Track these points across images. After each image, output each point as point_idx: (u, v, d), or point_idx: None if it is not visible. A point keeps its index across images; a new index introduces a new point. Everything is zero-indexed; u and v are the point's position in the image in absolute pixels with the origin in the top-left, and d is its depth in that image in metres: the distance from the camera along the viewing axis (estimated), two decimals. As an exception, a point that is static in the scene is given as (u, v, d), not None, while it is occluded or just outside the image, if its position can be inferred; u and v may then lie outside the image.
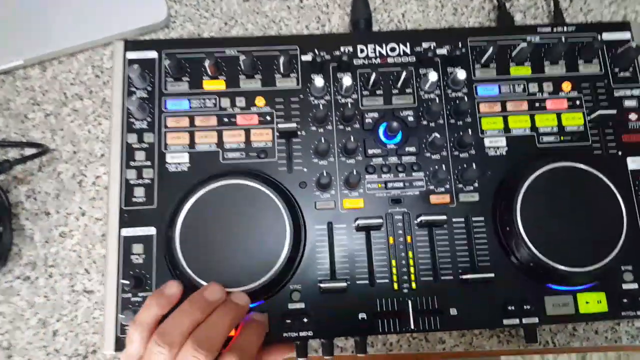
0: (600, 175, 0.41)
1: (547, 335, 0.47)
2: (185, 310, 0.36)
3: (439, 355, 0.46)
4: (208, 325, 0.35)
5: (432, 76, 0.44)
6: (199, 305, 0.36)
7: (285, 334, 0.41)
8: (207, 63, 0.43)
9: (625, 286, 0.42)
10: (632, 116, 0.45)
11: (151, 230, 0.42)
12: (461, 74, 0.44)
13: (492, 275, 0.40)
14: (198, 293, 0.37)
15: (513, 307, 0.41)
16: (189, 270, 0.39)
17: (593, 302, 0.42)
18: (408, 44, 0.46)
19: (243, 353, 0.36)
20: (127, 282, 0.40)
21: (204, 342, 0.34)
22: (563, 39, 0.44)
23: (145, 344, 0.35)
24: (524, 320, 0.41)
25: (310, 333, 0.41)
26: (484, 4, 0.54)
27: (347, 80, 0.44)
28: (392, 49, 0.46)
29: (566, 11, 0.54)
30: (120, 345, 0.40)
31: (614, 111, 0.43)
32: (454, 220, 0.43)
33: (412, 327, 0.40)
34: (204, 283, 0.39)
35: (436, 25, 0.53)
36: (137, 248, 0.42)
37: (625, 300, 0.42)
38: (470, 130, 0.44)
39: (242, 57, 0.44)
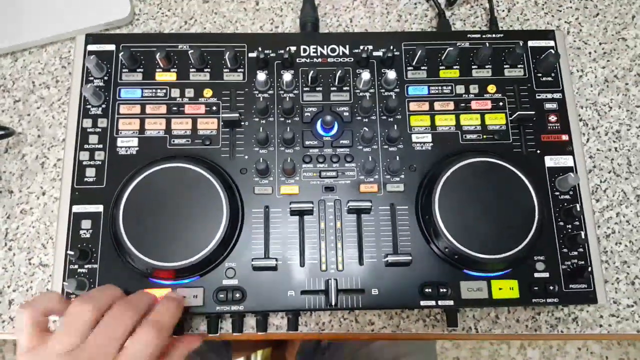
0: (515, 170, 0.45)
1: (470, 322, 0.50)
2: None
3: (367, 336, 0.49)
4: (132, 296, 0.40)
5: (365, 75, 0.47)
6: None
7: (218, 308, 0.44)
8: (158, 55, 0.47)
9: (536, 275, 0.45)
10: (552, 118, 0.49)
11: (99, 208, 0.45)
12: (391, 75, 0.47)
13: (410, 258, 0.44)
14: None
15: (430, 290, 0.44)
16: (130, 246, 0.43)
17: (506, 288, 0.45)
18: (347, 46, 0.50)
19: (159, 325, 0.37)
20: (72, 252, 0.43)
21: (128, 307, 0.37)
22: (487, 45, 0.48)
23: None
24: (440, 302, 0.44)
25: (241, 307, 0.44)
26: (427, 12, 0.57)
27: (287, 76, 0.48)
28: (333, 50, 0.50)
29: (504, 20, 0.57)
30: (65, 312, 0.43)
31: (532, 113, 0.47)
32: (380, 208, 0.46)
33: (335, 304, 0.43)
34: (145, 258, 0.42)
35: (381, 30, 0.57)
36: (86, 224, 0.45)
37: (536, 288, 0.45)
38: (398, 126, 0.48)
39: (191, 52, 0.47)
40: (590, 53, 0.57)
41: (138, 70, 0.49)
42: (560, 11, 0.58)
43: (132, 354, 0.35)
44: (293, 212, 0.46)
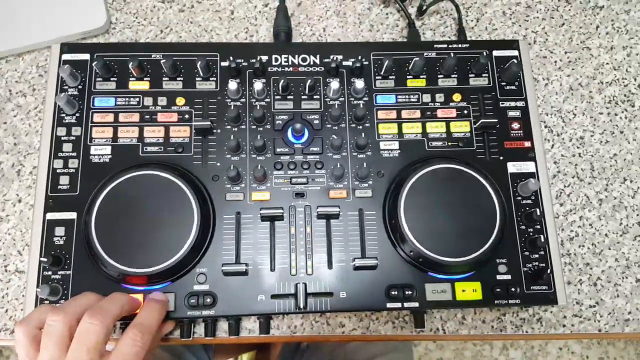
0: (478, 176, 0.46)
1: (438, 323, 0.51)
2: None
3: (337, 338, 0.50)
4: (103, 301, 0.40)
5: (334, 84, 0.49)
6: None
7: (189, 313, 0.45)
8: (131, 65, 0.48)
9: (499, 277, 0.47)
10: (515, 125, 0.50)
11: (72, 215, 0.46)
12: (359, 84, 0.49)
13: (377, 262, 0.45)
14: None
15: (396, 292, 0.46)
16: (102, 252, 0.43)
17: (469, 290, 0.46)
18: (318, 56, 0.51)
19: (143, 327, 0.39)
20: (45, 259, 0.44)
21: (97, 312, 0.38)
22: (452, 55, 0.49)
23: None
24: (406, 304, 0.45)
25: (212, 312, 0.45)
26: (398, 22, 0.59)
27: (258, 85, 0.49)
28: (304, 59, 0.51)
29: (472, 30, 0.59)
30: (38, 317, 0.44)
31: (495, 120, 0.49)
32: (349, 213, 0.48)
33: (304, 307, 0.45)
34: (116, 264, 0.43)
35: (354, 40, 0.58)
36: (59, 231, 0.46)
37: (498, 290, 0.46)
38: (367, 134, 0.49)
39: (163, 61, 0.48)
40: (555, 62, 0.59)
41: (112, 79, 0.50)
42: (527, 21, 0.60)
43: (118, 356, 0.37)
44: (264, 218, 0.47)
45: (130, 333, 0.39)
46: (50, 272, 0.45)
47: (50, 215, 0.46)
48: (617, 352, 1.40)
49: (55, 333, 0.37)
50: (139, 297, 0.44)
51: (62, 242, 0.46)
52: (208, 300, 0.45)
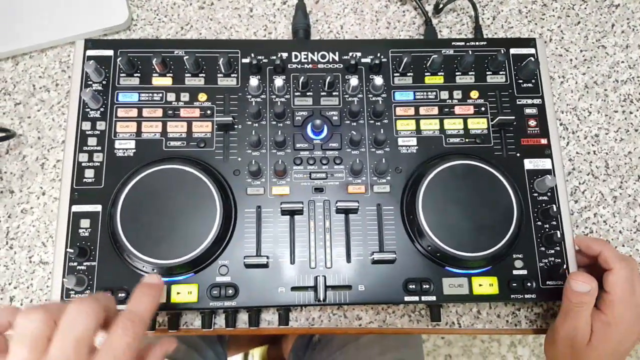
0: (495, 172, 0.47)
1: (453, 317, 0.52)
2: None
3: (355, 330, 0.51)
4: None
5: (353, 81, 0.50)
6: None
7: (212, 303, 0.46)
8: (154, 61, 0.49)
9: (515, 272, 0.47)
10: (531, 122, 0.51)
11: (98, 208, 0.47)
12: (378, 80, 0.49)
13: (395, 256, 0.46)
14: None
15: (414, 286, 0.46)
16: (127, 244, 0.44)
17: (486, 284, 0.47)
18: (337, 53, 0.52)
19: (134, 315, 0.35)
20: (72, 250, 0.45)
21: (85, 300, 0.33)
22: (470, 52, 0.50)
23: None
24: (423, 298, 0.46)
25: (234, 303, 0.46)
26: (414, 19, 0.60)
27: (278, 81, 0.50)
28: (323, 56, 0.52)
29: (489, 27, 0.60)
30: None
31: (512, 117, 0.49)
32: (367, 208, 0.48)
33: (324, 299, 0.46)
34: (141, 255, 0.44)
35: (371, 37, 0.59)
36: (85, 223, 0.47)
37: (514, 285, 0.47)
38: (385, 130, 0.50)
39: (186, 57, 0.49)
40: (571, 60, 0.59)
41: (135, 74, 0.51)
42: (543, 19, 0.60)
43: (106, 352, 0.32)
44: (284, 212, 0.48)
45: (120, 323, 0.33)
46: (75, 263, 0.46)
47: (76, 208, 0.47)
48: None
49: (28, 332, 0.31)
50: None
51: (87, 234, 0.47)
52: (230, 291, 0.46)
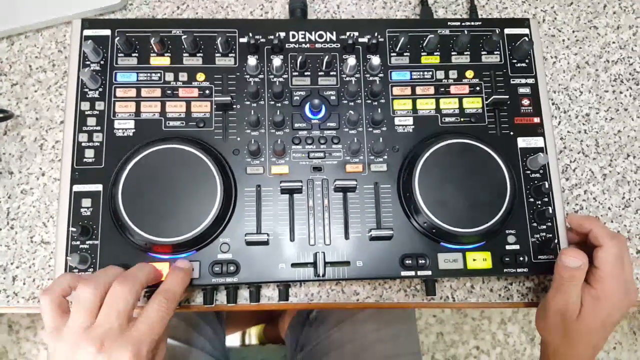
0: (489, 150, 0.48)
1: (447, 291, 0.54)
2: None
3: (352, 305, 0.53)
4: (131, 269, 0.42)
5: (351, 61, 0.50)
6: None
7: (214, 280, 0.47)
8: (152, 40, 0.49)
9: (508, 247, 0.49)
10: (525, 102, 0.52)
11: (98, 187, 0.48)
12: (375, 60, 0.50)
13: (392, 232, 0.47)
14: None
15: (410, 262, 0.48)
16: (129, 222, 0.45)
17: (479, 259, 0.49)
18: (334, 33, 0.53)
19: (168, 294, 0.42)
20: (75, 229, 0.46)
21: (126, 279, 0.40)
22: (465, 32, 0.51)
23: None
24: (419, 273, 0.48)
25: (235, 279, 0.47)
26: (410, -1, 0.60)
27: (276, 61, 0.50)
28: (320, 36, 0.53)
29: (483, 8, 0.60)
30: (68, 285, 0.46)
31: (506, 97, 0.50)
32: (364, 186, 0.49)
33: (323, 275, 0.47)
34: (143, 234, 0.45)
35: (367, 17, 0.59)
36: (86, 202, 0.48)
37: (507, 259, 0.49)
38: (382, 110, 0.51)
39: (184, 37, 0.49)
40: (563, 40, 0.60)
41: (133, 54, 0.51)
42: (537, 0, 0.61)
43: (143, 322, 0.39)
44: (283, 191, 0.49)
45: (157, 299, 0.41)
46: (78, 242, 0.47)
47: (77, 188, 0.48)
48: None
49: (86, 301, 0.39)
50: (165, 265, 0.46)
51: (89, 213, 0.47)
52: (231, 268, 0.47)
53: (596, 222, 0.47)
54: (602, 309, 0.45)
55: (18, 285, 0.51)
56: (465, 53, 0.53)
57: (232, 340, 1.20)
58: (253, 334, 1.18)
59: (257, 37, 0.51)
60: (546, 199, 0.50)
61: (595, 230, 0.46)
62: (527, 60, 0.53)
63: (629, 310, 0.47)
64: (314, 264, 0.47)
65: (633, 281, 0.46)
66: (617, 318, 0.46)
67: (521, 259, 0.48)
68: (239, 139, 0.50)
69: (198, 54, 0.51)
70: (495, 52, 0.53)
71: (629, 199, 0.56)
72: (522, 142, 0.51)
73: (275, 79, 0.51)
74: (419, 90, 0.52)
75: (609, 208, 0.56)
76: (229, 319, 0.96)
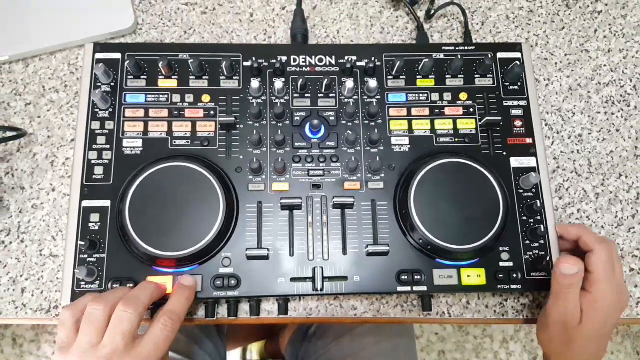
0: (483, 170, 0.50)
1: (444, 307, 0.55)
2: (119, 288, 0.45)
3: (350, 320, 0.54)
4: (135, 290, 0.44)
5: (349, 84, 0.52)
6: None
7: (215, 293, 0.49)
8: (160, 64, 0.52)
9: (502, 264, 0.50)
10: (517, 123, 0.54)
11: (107, 203, 0.50)
12: (373, 83, 0.52)
13: (389, 249, 0.49)
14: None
15: (406, 277, 0.49)
16: (135, 237, 0.47)
17: (474, 275, 0.50)
18: (334, 57, 0.55)
19: (173, 314, 0.44)
20: (83, 243, 0.47)
21: (131, 302, 0.42)
22: (459, 56, 0.53)
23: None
24: (415, 288, 0.49)
25: (236, 293, 0.49)
26: (407, 25, 0.63)
27: (278, 83, 0.52)
28: (320, 60, 0.55)
29: (478, 32, 0.63)
30: (75, 298, 0.48)
31: (499, 118, 0.52)
32: (362, 203, 0.51)
33: (321, 289, 0.48)
34: (148, 248, 0.47)
35: (365, 42, 0.62)
36: (94, 217, 0.50)
37: (501, 276, 0.50)
38: (379, 130, 0.53)
39: (191, 61, 0.52)
40: (556, 63, 0.62)
41: (142, 77, 0.53)
42: (530, 25, 0.64)
43: (150, 340, 0.42)
44: (283, 207, 0.51)
45: (162, 319, 0.43)
46: (86, 256, 0.49)
47: (86, 203, 0.50)
48: (614, 346, 1.43)
49: (95, 319, 0.41)
50: (168, 279, 0.48)
51: (97, 228, 0.49)
52: (232, 282, 0.49)
53: (584, 228, 0.48)
54: (601, 312, 0.46)
55: (27, 297, 0.53)
56: (459, 76, 0.55)
57: (233, 356, 1.21)
58: (254, 350, 1.19)
59: (260, 61, 0.54)
60: (539, 217, 0.51)
61: (584, 236, 0.47)
62: (519, 83, 0.55)
63: (622, 314, 0.48)
64: (313, 279, 0.49)
65: (624, 284, 0.48)
66: (614, 321, 0.47)
67: (514, 275, 0.50)
68: (241, 157, 0.52)
69: (204, 77, 0.54)
70: (489, 75, 0.55)
71: (622, 217, 0.57)
72: (515, 162, 0.53)
73: (277, 101, 0.54)
74: (414, 111, 0.54)
75: (602, 227, 0.57)
76: (230, 335, 0.96)
